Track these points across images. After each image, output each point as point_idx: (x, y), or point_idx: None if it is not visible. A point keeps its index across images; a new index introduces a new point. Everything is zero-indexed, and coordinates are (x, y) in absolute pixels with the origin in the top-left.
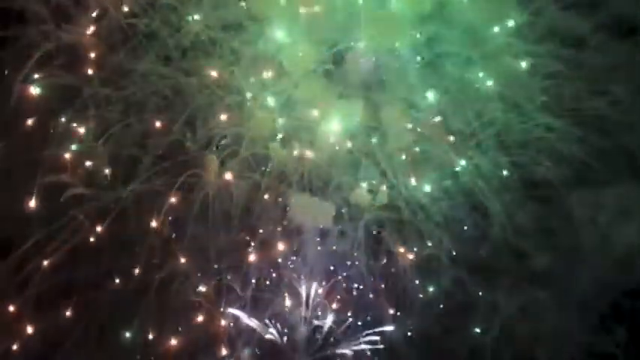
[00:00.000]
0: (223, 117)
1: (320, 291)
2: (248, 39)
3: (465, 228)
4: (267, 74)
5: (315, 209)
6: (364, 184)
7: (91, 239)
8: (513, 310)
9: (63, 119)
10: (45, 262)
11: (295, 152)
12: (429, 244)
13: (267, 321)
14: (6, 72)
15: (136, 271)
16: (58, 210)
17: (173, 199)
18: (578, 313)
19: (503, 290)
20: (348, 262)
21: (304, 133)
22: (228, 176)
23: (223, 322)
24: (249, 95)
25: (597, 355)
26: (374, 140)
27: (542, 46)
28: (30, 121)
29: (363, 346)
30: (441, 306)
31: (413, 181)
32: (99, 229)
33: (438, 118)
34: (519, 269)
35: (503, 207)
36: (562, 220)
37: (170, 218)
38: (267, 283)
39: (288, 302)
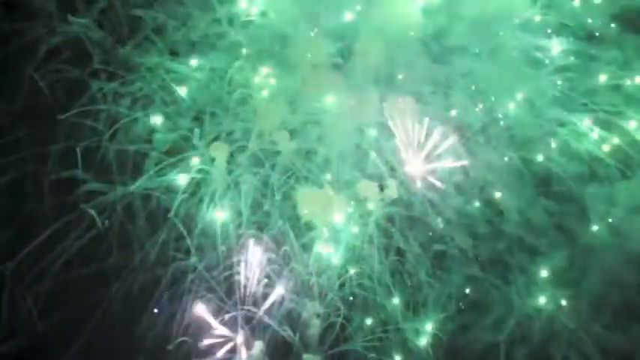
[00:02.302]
0: (231, 111)
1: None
2: (254, 33)
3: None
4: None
5: (325, 204)
6: (373, 179)
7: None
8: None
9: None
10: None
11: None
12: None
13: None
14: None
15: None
16: (68, 205)
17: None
18: (593, 311)
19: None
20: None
21: (313, 127)
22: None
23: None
24: (256, 89)
25: (613, 353)
26: (382, 135)
27: (553, 40)
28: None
29: (375, 344)
30: (454, 303)
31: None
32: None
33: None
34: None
35: (515, 203)
36: (575, 217)
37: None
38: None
39: (300, 298)
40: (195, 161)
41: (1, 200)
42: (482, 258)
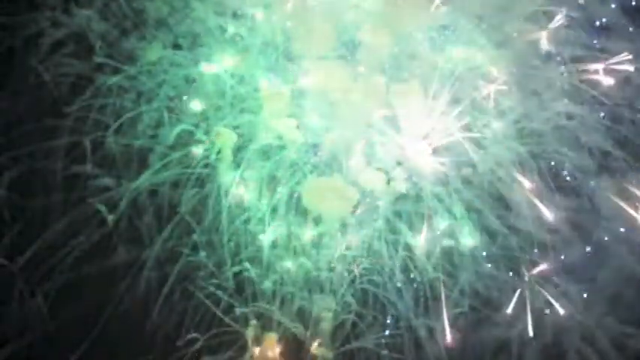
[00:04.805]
0: (235, 106)
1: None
2: (257, 26)
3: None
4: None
5: (333, 197)
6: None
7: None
8: (540, 303)
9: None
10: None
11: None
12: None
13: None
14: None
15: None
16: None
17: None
18: (607, 306)
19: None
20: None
21: (319, 119)
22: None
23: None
24: (260, 83)
25: (628, 349)
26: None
27: (561, 32)
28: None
29: (387, 340)
30: (466, 300)
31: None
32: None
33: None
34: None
35: (525, 198)
36: (587, 211)
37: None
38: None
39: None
40: (200, 155)
41: (8, 196)
42: (494, 254)
